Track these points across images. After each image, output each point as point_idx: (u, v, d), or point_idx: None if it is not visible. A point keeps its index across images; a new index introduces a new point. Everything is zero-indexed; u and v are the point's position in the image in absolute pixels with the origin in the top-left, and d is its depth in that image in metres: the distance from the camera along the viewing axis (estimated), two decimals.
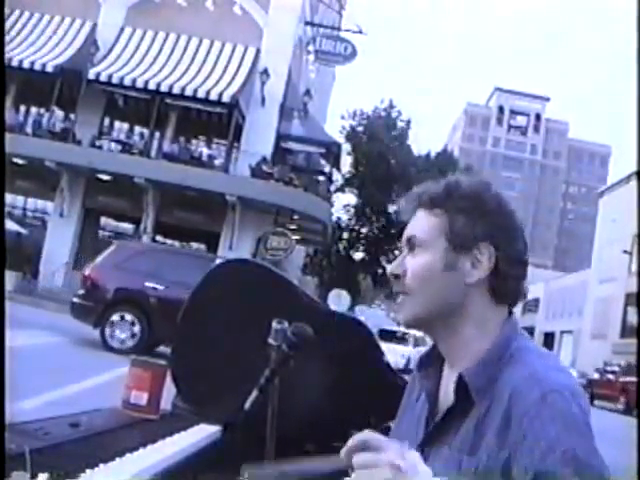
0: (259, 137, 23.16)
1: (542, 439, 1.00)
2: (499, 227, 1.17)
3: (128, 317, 10.68)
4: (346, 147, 31.69)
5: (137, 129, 24.38)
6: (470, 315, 1.16)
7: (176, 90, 21.72)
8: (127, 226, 24.57)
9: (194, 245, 25.12)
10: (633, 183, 39.14)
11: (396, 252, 29.70)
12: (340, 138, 30.97)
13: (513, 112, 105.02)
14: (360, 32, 25.94)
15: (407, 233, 1.21)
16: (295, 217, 23.09)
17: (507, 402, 1.05)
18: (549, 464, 0.98)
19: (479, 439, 1.08)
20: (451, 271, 1.15)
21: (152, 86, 21.74)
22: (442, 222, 1.17)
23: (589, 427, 1.04)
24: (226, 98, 21.62)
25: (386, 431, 1.27)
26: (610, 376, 26.40)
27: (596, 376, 28.23)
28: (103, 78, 21.77)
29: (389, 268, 1.22)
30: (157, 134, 23.77)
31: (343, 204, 35.97)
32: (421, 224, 1.19)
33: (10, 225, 20.16)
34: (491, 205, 1.17)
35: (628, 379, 24.24)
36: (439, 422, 1.17)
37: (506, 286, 1.17)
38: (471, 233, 1.16)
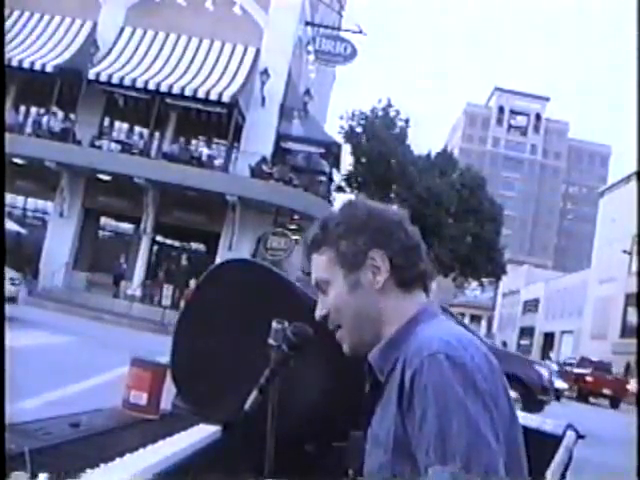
0: (259, 137, 23.15)
1: (418, 407, 1.09)
2: (376, 230, 1.26)
3: None
4: (346, 147, 31.60)
5: (137, 129, 24.39)
6: (389, 314, 1.26)
7: (176, 90, 21.72)
8: (127, 226, 24.58)
9: (194, 245, 25.11)
10: (633, 183, 39.16)
11: None
12: (340, 138, 30.90)
13: (513, 112, 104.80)
14: (360, 32, 25.93)
15: (313, 279, 1.32)
16: (295, 217, 23.07)
17: (400, 375, 1.14)
18: (424, 433, 1.07)
19: (386, 414, 1.17)
20: (358, 290, 1.26)
21: (152, 86, 21.74)
22: (330, 255, 1.28)
23: (466, 384, 1.08)
24: (226, 98, 21.61)
25: None
26: (567, 368, 28.68)
27: (555, 367, 29.86)
28: (103, 78, 21.77)
29: (316, 315, 1.32)
30: (157, 134, 23.77)
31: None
32: (317, 267, 1.30)
33: (10, 225, 20.13)
34: (361, 216, 1.27)
35: (581, 371, 26.96)
36: (366, 409, 1.27)
37: (407, 274, 1.27)
38: (357, 249, 1.26)
